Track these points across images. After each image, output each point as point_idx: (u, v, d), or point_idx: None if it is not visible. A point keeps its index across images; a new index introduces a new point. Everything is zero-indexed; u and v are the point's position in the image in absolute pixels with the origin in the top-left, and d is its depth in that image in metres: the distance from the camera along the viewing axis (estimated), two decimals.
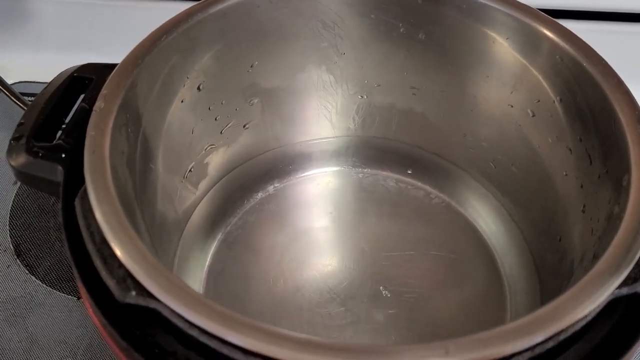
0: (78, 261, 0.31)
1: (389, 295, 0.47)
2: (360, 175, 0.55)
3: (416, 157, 0.55)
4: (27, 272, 0.53)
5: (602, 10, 0.65)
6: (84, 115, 0.37)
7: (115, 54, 0.41)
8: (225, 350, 0.28)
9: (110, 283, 0.29)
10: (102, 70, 0.40)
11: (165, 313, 0.29)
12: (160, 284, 0.28)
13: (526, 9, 0.41)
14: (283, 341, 0.26)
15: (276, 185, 0.54)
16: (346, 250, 0.50)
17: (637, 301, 0.31)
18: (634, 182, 0.32)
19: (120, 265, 0.29)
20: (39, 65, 0.70)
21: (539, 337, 0.27)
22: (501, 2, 0.42)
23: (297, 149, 0.55)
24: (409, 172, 0.54)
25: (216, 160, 0.50)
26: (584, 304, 0.28)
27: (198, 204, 0.50)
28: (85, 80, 0.41)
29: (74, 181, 0.34)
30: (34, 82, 0.67)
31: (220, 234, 0.51)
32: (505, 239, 0.50)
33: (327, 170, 0.55)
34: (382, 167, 0.55)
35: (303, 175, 0.55)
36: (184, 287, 0.28)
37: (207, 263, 0.49)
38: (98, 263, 0.30)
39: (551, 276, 0.44)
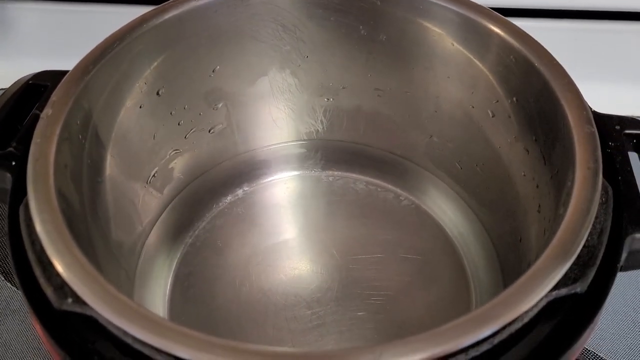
0: (20, 268, 0.31)
1: (355, 298, 0.47)
2: (330, 178, 0.55)
3: (385, 158, 0.55)
4: (2, 278, 0.53)
5: (557, 8, 0.65)
6: (35, 123, 0.37)
7: None
8: (159, 358, 0.28)
9: (48, 290, 0.29)
10: (57, 77, 0.40)
11: (102, 320, 0.29)
12: (92, 291, 0.28)
13: (478, 8, 0.41)
14: (211, 347, 0.26)
15: (245, 189, 0.54)
16: (314, 253, 0.50)
17: (578, 302, 0.30)
18: (577, 183, 0.32)
19: (58, 273, 0.29)
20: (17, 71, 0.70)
21: (470, 340, 0.27)
22: (454, 1, 0.42)
23: (266, 152, 0.55)
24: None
25: (182, 165, 0.50)
26: (517, 306, 0.28)
27: (165, 209, 0.50)
28: (41, 88, 0.41)
29: (22, 189, 0.34)
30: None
31: (188, 237, 0.51)
32: (472, 239, 0.50)
33: (296, 173, 0.55)
34: (352, 170, 0.55)
35: (272, 178, 0.55)
36: (116, 295, 0.28)
37: (173, 267, 0.49)
38: (37, 271, 0.30)
39: (514, 277, 0.44)
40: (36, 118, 0.38)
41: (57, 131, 0.35)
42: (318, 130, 0.55)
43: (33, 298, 0.30)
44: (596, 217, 0.32)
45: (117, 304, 0.27)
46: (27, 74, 0.46)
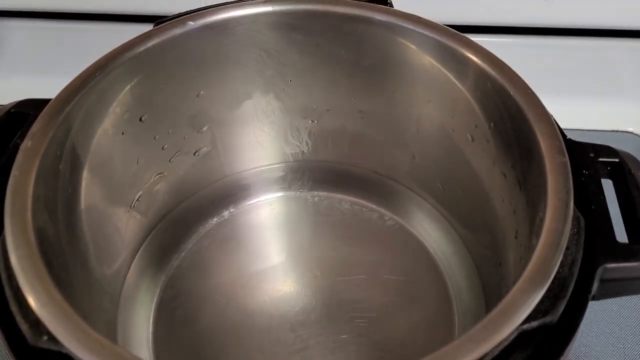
0: None
1: (339, 321, 0.47)
2: (316, 199, 0.56)
3: (370, 178, 0.55)
4: None
5: (538, 26, 0.66)
6: (16, 152, 0.37)
7: None
8: None
9: (24, 327, 0.30)
10: (40, 106, 0.40)
11: (77, 359, 0.29)
12: (66, 330, 0.28)
13: (455, 36, 0.42)
14: None
15: (231, 210, 0.54)
16: (299, 275, 0.51)
17: (549, 333, 0.31)
18: (548, 214, 0.32)
19: (33, 310, 0.29)
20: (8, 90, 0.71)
21: None
22: (432, 28, 0.42)
23: (252, 174, 0.55)
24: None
25: (167, 188, 0.50)
26: (487, 341, 0.28)
27: (151, 232, 0.51)
28: (23, 116, 0.41)
29: (0, 222, 0.34)
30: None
31: (174, 260, 0.51)
32: (456, 260, 0.50)
33: (282, 194, 0.56)
34: (337, 190, 0.56)
35: (258, 200, 0.55)
36: (90, 334, 0.28)
37: (158, 290, 0.49)
38: (14, 306, 0.30)
39: (496, 299, 0.44)
40: (17, 148, 0.38)
41: (37, 164, 0.35)
42: (303, 152, 0.55)
43: (9, 334, 0.30)
44: (567, 249, 0.32)
45: (91, 342, 0.28)
46: (17, 91, 0.47)
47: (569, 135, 0.39)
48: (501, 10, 0.66)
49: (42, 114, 0.38)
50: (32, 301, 0.29)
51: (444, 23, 0.44)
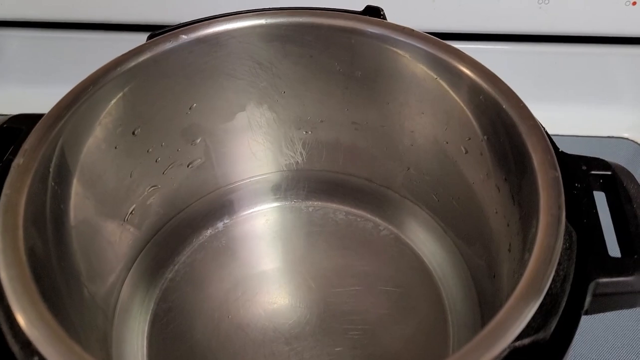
0: None
1: (333, 333, 0.47)
2: (311, 209, 0.56)
3: (365, 188, 0.55)
4: None
5: (533, 34, 0.66)
6: (8, 169, 0.37)
7: None
8: None
9: (15, 348, 0.30)
10: (33, 121, 0.40)
11: None
12: (57, 352, 0.28)
13: (448, 49, 0.42)
14: None
15: (226, 221, 0.54)
16: (293, 287, 0.51)
17: (541, 350, 0.31)
18: (540, 229, 0.32)
19: (24, 331, 0.29)
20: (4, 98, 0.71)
21: None
22: (425, 41, 0.42)
23: (246, 185, 0.55)
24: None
25: (161, 201, 0.50)
26: (480, 358, 0.28)
27: (145, 246, 0.51)
28: (16, 132, 0.41)
29: None
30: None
31: (168, 272, 0.51)
32: (450, 271, 0.50)
33: (277, 205, 0.56)
34: (332, 200, 0.56)
35: (253, 211, 0.55)
36: (82, 355, 0.28)
37: (152, 303, 0.49)
38: (5, 327, 0.30)
39: (491, 310, 0.45)
40: (9, 164, 0.38)
41: (28, 182, 0.35)
42: (298, 162, 0.55)
43: (1, 355, 0.30)
44: (559, 264, 0.32)
45: None
46: (14, 99, 0.46)
47: (564, 142, 0.39)
48: (495, 18, 0.66)
49: (33, 130, 0.38)
50: (22, 322, 0.29)
51: (438, 31, 0.44)
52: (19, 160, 0.36)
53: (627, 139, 0.68)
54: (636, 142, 0.67)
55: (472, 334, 0.46)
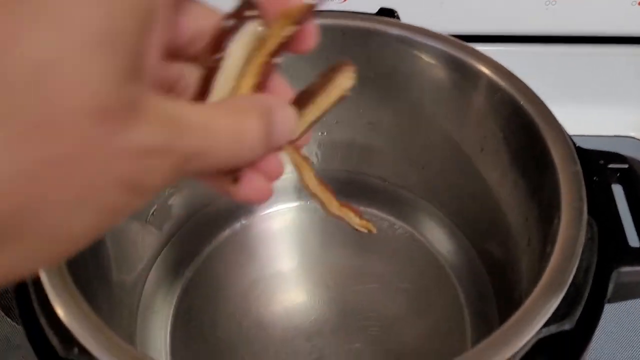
0: (25, 317, 0.32)
1: (352, 330, 0.48)
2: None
3: (380, 188, 0.56)
4: (2, 314, 0.53)
5: (545, 35, 0.67)
6: None
7: None
8: None
9: (54, 340, 0.30)
10: None
11: None
12: (98, 342, 0.29)
13: (465, 48, 0.42)
14: None
15: (243, 222, 0.55)
16: (311, 285, 0.51)
17: (566, 338, 0.31)
18: (562, 222, 0.33)
19: (63, 322, 0.30)
20: None
21: None
22: (442, 41, 0.43)
23: None
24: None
25: (180, 202, 0.51)
26: (507, 348, 0.29)
27: (165, 245, 0.51)
28: None
29: None
30: None
31: (188, 272, 0.52)
32: (466, 268, 0.51)
33: (293, 205, 0.56)
34: (347, 200, 0.56)
35: (270, 211, 0.56)
36: (122, 346, 0.29)
37: (174, 302, 0.50)
38: (42, 319, 0.31)
39: (507, 306, 0.45)
40: None
41: None
42: (313, 162, 0.55)
43: (40, 349, 0.31)
44: (582, 254, 0.33)
45: (123, 354, 0.28)
46: None
47: None
48: (502, 19, 0.66)
49: None
50: (62, 314, 0.30)
51: (448, 34, 0.44)
52: None
53: (633, 137, 0.69)
54: None
55: (490, 329, 0.46)
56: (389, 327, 0.48)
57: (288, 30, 0.24)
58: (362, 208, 0.55)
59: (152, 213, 0.48)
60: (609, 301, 0.35)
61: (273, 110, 0.22)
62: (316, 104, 0.28)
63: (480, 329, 0.47)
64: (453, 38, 0.43)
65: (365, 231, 0.31)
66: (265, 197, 0.25)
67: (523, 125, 0.39)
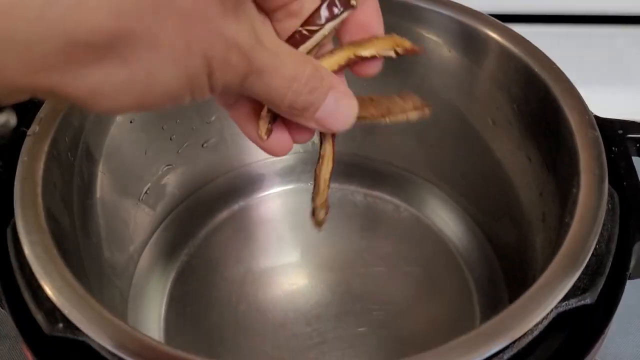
0: (9, 293, 0.30)
1: (356, 314, 0.46)
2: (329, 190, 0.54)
3: (384, 169, 0.54)
4: None
5: (558, 14, 0.64)
6: (21, 141, 0.36)
7: None
8: None
9: (38, 316, 0.28)
10: None
11: (95, 346, 0.27)
12: (85, 316, 0.27)
13: (476, 15, 0.40)
14: None
15: (241, 203, 0.53)
16: (312, 268, 0.49)
17: (587, 313, 0.29)
18: (582, 190, 0.31)
19: (48, 297, 0.28)
20: None
21: (479, 357, 0.26)
22: (451, 8, 0.41)
23: (262, 166, 0.54)
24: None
25: (175, 181, 0.49)
26: (526, 320, 0.27)
27: (159, 226, 0.49)
28: (27, 104, 0.40)
29: (9, 210, 0.33)
30: None
31: (183, 255, 0.50)
32: (474, 250, 0.49)
33: (293, 186, 0.54)
34: (350, 181, 0.54)
35: (269, 192, 0.54)
36: (110, 319, 0.27)
37: (168, 286, 0.48)
38: (26, 295, 0.29)
39: (518, 288, 0.43)
40: (22, 135, 0.37)
41: (45, 149, 0.34)
42: (314, 142, 0.53)
43: (23, 323, 0.29)
44: (603, 225, 0.31)
45: (112, 328, 0.26)
46: None
47: None
48: None
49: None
50: (47, 287, 0.28)
51: None
52: (34, 128, 0.35)
53: None
54: None
55: (499, 312, 0.44)
56: (394, 311, 0.46)
57: (385, 52, 0.27)
58: (365, 190, 0.53)
59: (146, 191, 0.46)
60: (630, 277, 0.33)
61: (342, 95, 0.26)
62: (376, 112, 0.31)
63: (489, 312, 0.45)
64: (462, 4, 0.41)
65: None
66: (285, 152, 0.28)
67: (538, 94, 0.37)
